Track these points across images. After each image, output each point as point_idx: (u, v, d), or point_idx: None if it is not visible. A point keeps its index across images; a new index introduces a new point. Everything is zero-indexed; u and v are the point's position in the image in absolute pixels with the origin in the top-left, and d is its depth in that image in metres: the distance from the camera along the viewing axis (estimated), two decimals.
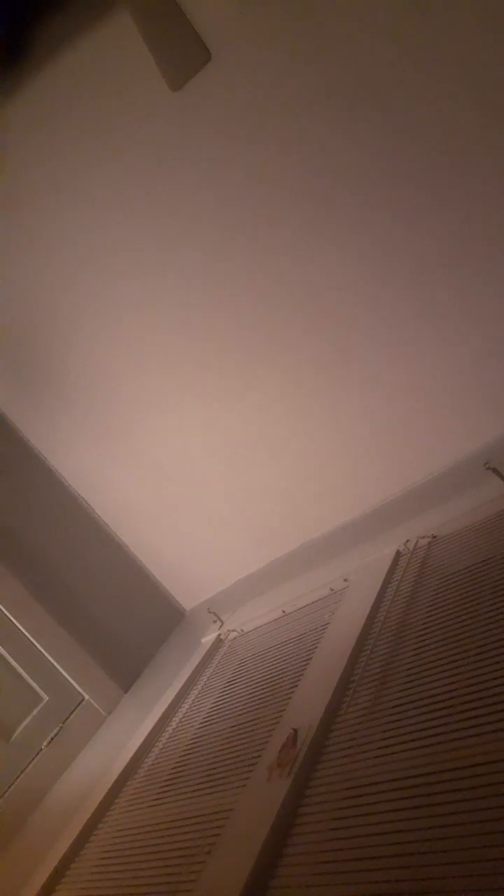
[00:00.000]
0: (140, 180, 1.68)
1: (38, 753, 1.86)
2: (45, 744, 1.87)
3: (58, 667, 2.02)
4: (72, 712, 1.98)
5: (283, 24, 1.40)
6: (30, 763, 1.83)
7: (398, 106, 1.38)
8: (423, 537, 1.52)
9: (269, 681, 1.48)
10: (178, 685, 1.80)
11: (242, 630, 1.88)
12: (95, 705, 2.02)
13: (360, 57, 1.37)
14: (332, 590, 1.65)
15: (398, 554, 1.54)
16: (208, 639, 2.00)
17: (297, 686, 1.34)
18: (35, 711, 1.93)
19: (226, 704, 1.54)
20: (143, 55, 1.51)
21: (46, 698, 1.96)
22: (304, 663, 1.41)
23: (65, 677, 2.02)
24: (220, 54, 1.48)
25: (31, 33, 1.58)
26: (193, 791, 1.29)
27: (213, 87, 1.51)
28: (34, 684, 1.97)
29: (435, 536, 1.49)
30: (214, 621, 2.08)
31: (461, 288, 1.50)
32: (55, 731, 1.91)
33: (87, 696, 2.02)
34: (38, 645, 2.01)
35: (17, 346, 2.14)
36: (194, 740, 1.49)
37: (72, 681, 2.02)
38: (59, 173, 1.76)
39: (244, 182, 1.58)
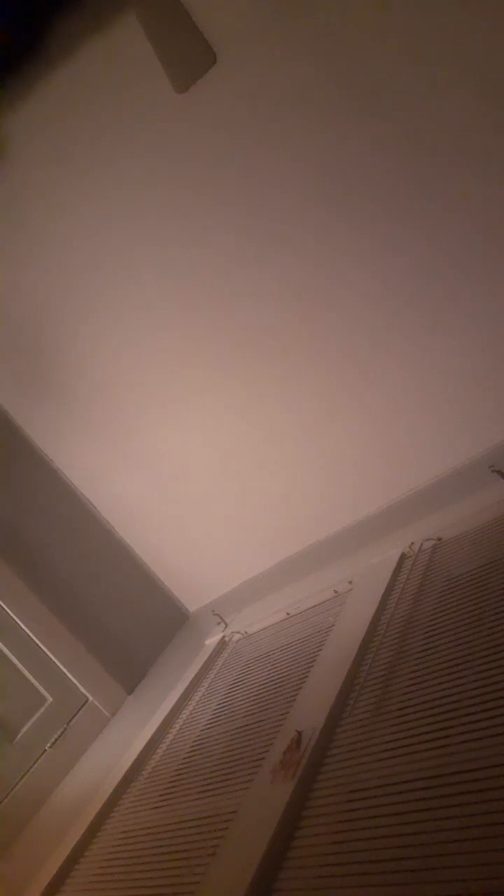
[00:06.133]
0: (145, 182, 1.69)
1: (42, 755, 1.86)
2: (48, 745, 1.88)
3: (62, 668, 2.02)
4: (76, 714, 1.98)
5: (289, 26, 1.40)
6: (34, 764, 1.83)
7: (405, 108, 1.38)
8: (428, 540, 1.51)
9: (273, 683, 1.47)
10: (182, 687, 1.80)
11: (246, 632, 1.88)
12: (99, 707, 2.02)
13: (367, 59, 1.37)
14: (336, 592, 1.64)
15: (403, 556, 1.54)
16: (212, 641, 2.00)
17: (301, 688, 1.33)
18: (39, 713, 1.93)
19: (230, 706, 1.53)
20: (150, 57, 1.51)
21: (50, 699, 1.96)
22: (308, 665, 1.41)
23: (69, 679, 2.02)
24: (225, 57, 1.48)
25: (37, 36, 1.59)
26: (197, 793, 1.28)
27: (218, 90, 1.51)
28: (38, 685, 1.97)
29: (440, 539, 1.49)
30: (218, 623, 2.08)
31: (468, 291, 1.49)
32: (59, 733, 1.91)
33: (91, 698, 2.02)
34: (42, 646, 2.01)
35: (21, 348, 2.15)
36: (198, 742, 1.49)
37: (76, 682, 2.02)
38: (63, 175, 1.76)
39: (249, 184, 1.58)
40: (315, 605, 1.68)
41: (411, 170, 1.42)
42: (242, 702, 1.50)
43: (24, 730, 1.88)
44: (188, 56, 1.49)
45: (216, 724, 1.51)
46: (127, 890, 1.17)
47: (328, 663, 1.33)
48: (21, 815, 1.72)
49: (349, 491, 1.87)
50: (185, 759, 1.46)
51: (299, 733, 1.15)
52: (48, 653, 2.01)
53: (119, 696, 2.07)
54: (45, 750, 1.87)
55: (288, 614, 1.75)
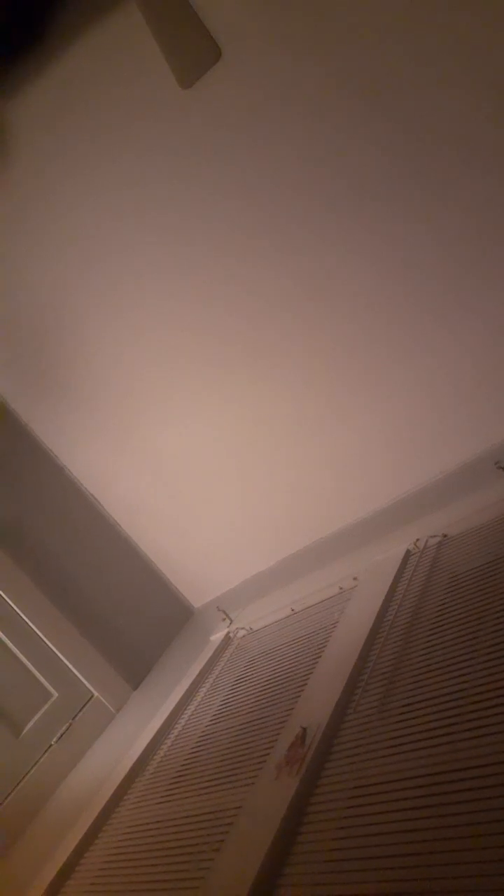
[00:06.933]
0: (148, 178, 1.68)
1: (47, 750, 1.86)
2: (54, 741, 1.88)
3: (67, 664, 2.02)
4: (81, 709, 1.99)
5: (294, 22, 1.40)
6: (39, 760, 1.84)
7: (408, 104, 1.37)
8: (434, 536, 1.51)
9: (278, 679, 1.47)
10: (186, 683, 1.81)
11: (251, 628, 1.88)
12: (105, 702, 2.02)
13: (370, 55, 1.36)
14: (341, 588, 1.64)
15: (408, 553, 1.54)
16: (217, 637, 2.00)
17: (306, 684, 1.33)
18: (45, 708, 1.94)
19: (235, 702, 1.54)
20: (154, 53, 1.51)
21: (56, 695, 1.97)
22: (313, 661, 1.41)
23: (74, 674, 2.02)
24: (230, 52, 1.47)
25: (40, 29, 1.59)
26: (202, 789, 1.29)
27: (223, 85, 1.51)
28: (44, 681, 1.98)
29: (445, 535, 1.49)
30: (223, 619, 2.08)
31: (472, 287, 1.49)
32: (64, 728, 1.92)
33: (96, 693, 2.03)
34: (47, 642, 2.02)
35: (24, 345, 2.15)
36: (203, 738, 1.49)
37: (81, 678, 2.03)
38: (66, 171, 1.76)
39: (252, 179, 1.58)
40: (320, 602, 1.68)
41: (413, 166, 1.41)
42: (247, 698, 1.51)
43: (29, 725, 1.89)
44: (193, 51, 1.48)
45: (221, 719, 1.51)
46: (132, 884, 1.18)
47: (333, 659, 1.33)
48: (27, 810, 1.73)
49: (354, 487, 1.87)
50: (189, 754, 1.46)
51: (304, 729, 1.15)
52: (53, 648, 2.02)
53: (124, 692, 2.07)
54: (51, 745, 1.87)
55: (293, 610, 1.75)
